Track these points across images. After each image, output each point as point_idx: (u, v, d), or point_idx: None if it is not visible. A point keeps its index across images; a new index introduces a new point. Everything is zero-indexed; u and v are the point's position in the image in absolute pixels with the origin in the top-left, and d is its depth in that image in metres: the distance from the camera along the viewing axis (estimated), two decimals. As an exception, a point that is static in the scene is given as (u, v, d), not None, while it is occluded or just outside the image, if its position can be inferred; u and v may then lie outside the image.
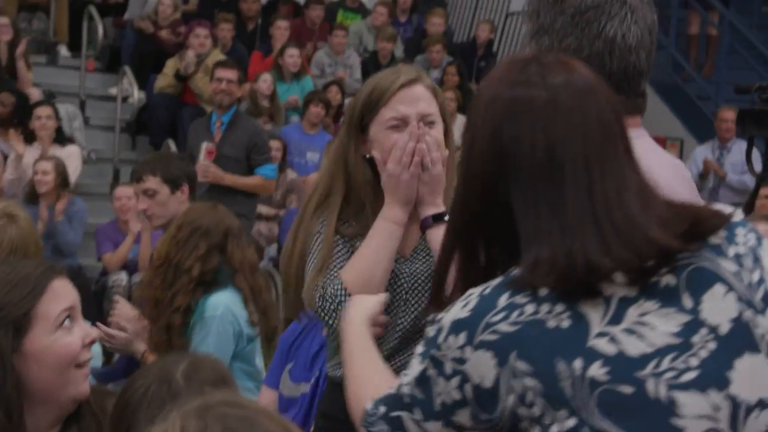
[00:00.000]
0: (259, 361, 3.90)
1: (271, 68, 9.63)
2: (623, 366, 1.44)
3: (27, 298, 1.92)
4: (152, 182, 4.38)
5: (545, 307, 1.45)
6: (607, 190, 1.47)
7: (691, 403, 1.43)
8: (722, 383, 1.45)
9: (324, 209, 2.40)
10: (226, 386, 1.92)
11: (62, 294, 1.96)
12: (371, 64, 10.42)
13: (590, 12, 1.88)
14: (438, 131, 2.37)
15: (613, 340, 1.44)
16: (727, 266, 1.48)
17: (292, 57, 9.58)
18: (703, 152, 9.40)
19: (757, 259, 1.50)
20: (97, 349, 2.94)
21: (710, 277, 1.47)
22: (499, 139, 1.50)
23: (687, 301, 1.46)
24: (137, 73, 9.65)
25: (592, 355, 1.44)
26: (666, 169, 1.80)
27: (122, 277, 7.34)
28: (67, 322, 1.95)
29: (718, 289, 1.47)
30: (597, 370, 1.43)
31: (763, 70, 10.67)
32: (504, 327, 1.44)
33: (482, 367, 1.45)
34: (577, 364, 1.43)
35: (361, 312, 1.86)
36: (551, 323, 1.44)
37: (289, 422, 1.32)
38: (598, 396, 1.43)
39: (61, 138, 8.13)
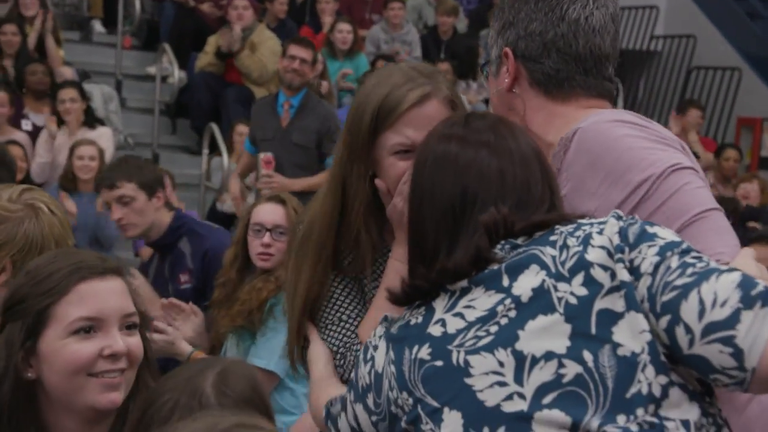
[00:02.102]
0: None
1: (322, 45, 9.04)
2: (441, 344, 1.75)
3: (44, 296, 1.94)
4: (128, 189, 4.29)
5: (415, 310, 1.82)
6: (501, 216, 1.77)
7: (480, 363, 1.71)
8: (509, 342, 1.70)
9: (321, 248, 2.16)
10: (258, 397, 1.92)
11: (90, 298, 1.95)
12: (431, 40, 9.83)
13: None
14: None
15: (443, 324, 1.77)
16: (550, 251, 1.73)
17: (342, 33, 8.99)
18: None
19: (587, 239, 1.71)
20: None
21: (530, 260, 1.73)
22: (420, 181, 1.85)
23: (505, 282, 1.74)
24: (177, 50, 9.24)
25: (425, 339, 1.77)
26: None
27: (163, 271, 6.88)
28: (87, 329, 1.95)
29: (533, 268, 1.73)
30: (424, 351, 1.76)
31: None
32: (394, 330, 1.84)
33: (381, 355, 1.83)
34: (415, 349, 1.77)
35: (322, 351, 2.15)
36: (412, 320, 1.81)
37: None
38: (422, 373, 1.76)
39: (91, 120, 7.68)
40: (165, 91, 9.33)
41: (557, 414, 1.64)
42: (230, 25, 8.68)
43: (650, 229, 1.70)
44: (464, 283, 1.76)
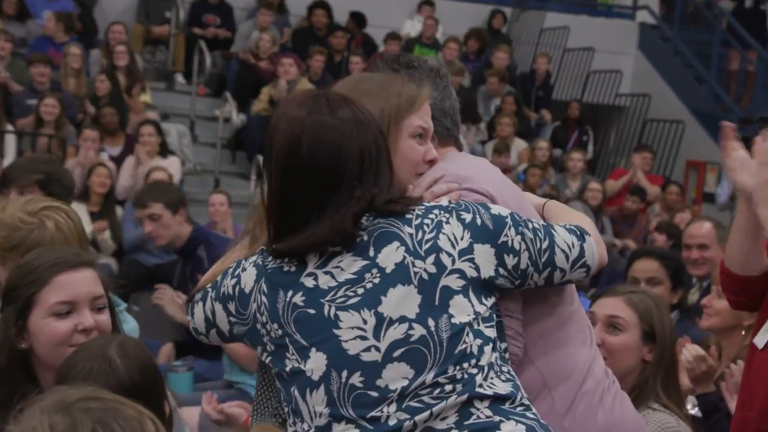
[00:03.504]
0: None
1: (353, 97, 10.58)
2: (314, 295, 1.92)
3: (31, 285, 2.18)
4: (156, 208, 4.82)
5: (287, 260, 1.96)
6: (365, 194, 1.92)
7: (348, 318, 1.91)
8: (373, 304, 1.91)
9: None
10: (151, 360, 2.11)
11: (66, 287, 2.17)
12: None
13: (444, 78, 2.43)
14: None
15: (315, 278, 1.94)
16: (407, 230, 1.94)
17: (370, 87, 10.47)
18: (737, 176, 10.13)
19: (439, 227, 1.95)
20: (133, 324, 3.22)
21: (391, 237, 1.94)
22: (297, 148, 1.93)
23: (371, 252, 1.93)
24: (238, 98, 10.55)
25: (299, 288, 1.94)
26: (491, 170, 2.30)
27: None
28: (64, 311, 2.17)
29: (395, 244, 1.94)
30: (298, 298, 1.94)
31: (798, 104, 11.24)
32: (268, 264, 1.97)
33: (249, 278, 1.98)
34: (289, 293, 1.94)
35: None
36: (285, 268, 1.97)
37: (146, 410, 1.40)
38: (295, 315, 1.93)
39: (164, 151, 8.99)
40: (227, 130, 10.49)
41: (403, 366, 1.88)
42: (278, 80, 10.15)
43: (494, 210, 2.00)
44: (339, 248, 1.90)
